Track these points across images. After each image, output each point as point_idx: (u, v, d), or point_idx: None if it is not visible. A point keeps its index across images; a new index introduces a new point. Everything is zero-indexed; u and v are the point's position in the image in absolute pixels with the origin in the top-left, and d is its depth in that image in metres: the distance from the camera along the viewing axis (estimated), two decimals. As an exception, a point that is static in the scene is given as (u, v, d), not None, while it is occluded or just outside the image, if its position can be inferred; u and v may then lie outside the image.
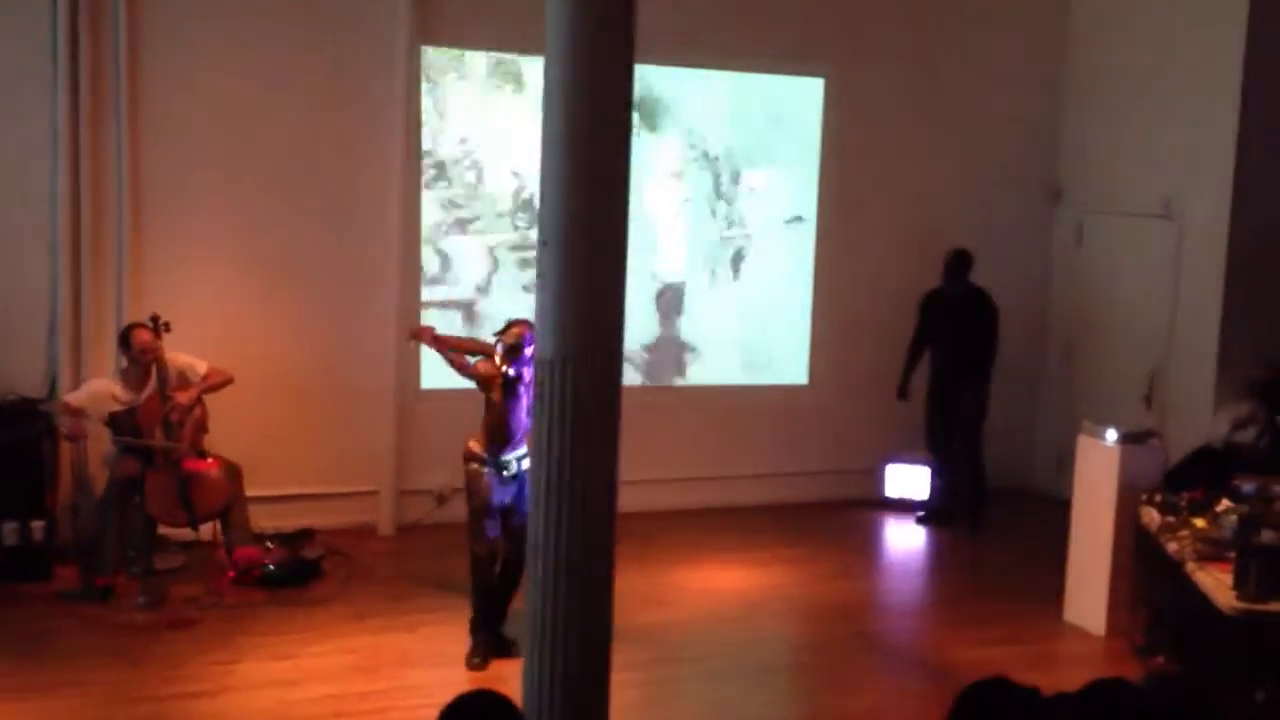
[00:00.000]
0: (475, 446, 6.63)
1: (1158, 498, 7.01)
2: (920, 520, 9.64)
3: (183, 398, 7.55)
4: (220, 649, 6.65)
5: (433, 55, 8.82)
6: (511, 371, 6.47)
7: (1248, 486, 6.76)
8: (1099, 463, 7.40)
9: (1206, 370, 8.97)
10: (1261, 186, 8.84)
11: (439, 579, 7.65)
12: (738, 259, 9.80)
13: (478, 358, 6.69)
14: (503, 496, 6.61)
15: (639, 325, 9.32)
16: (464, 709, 3.19)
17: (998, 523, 9.41)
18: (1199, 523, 6.62)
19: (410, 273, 8.82)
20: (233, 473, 7.71)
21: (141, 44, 8.09)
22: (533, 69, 8.66)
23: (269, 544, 7.90)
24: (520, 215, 9.10)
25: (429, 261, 8.95)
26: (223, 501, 7.64)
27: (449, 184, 8.99)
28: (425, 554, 8.30)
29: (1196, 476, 7.18)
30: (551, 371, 4.49)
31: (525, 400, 6.47)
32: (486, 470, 6.59)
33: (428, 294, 8.96)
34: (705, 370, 9.79)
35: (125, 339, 7.56)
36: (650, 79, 9.20)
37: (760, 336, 9.97)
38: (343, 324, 8.70)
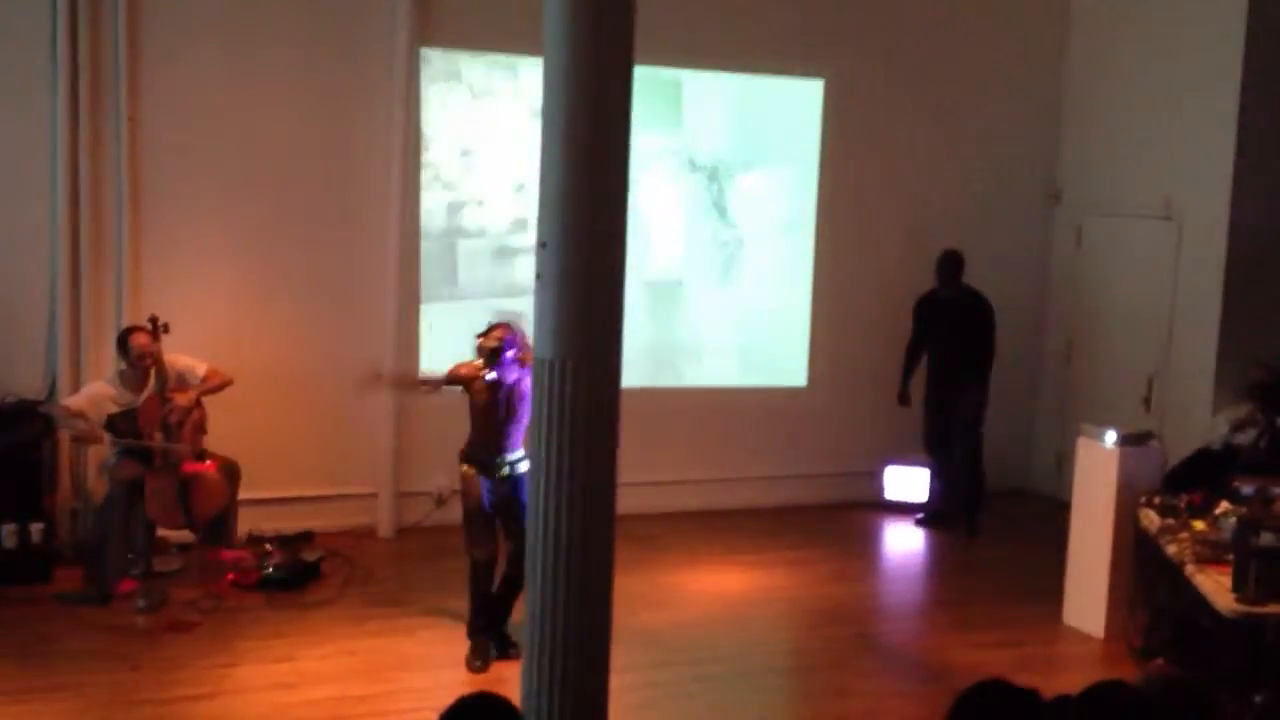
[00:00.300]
0: (466, 449, 6.62)
1: (1157, 500, 7.01)
2: (919, 522, 9.65)
3: (182, 399, 7.55)
4: (219, 651, 6.65)
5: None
6: (492, 375, 6.43)
7: (1247, 488, 6.75)
8: (1098, 465, 7.40)
9: (1205, 372, 8.98)
10: (1260, 188, 8.84)
11: (438, 581, 7.64)
12: (736, 261, 9.80)
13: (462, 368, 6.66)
14: (494, 500, 6.58)
15: (637, 326, 9.31)
16: (464, 711, 3.18)
17: (997, 524, 9.41)
18: (1198, 525, 6.62)
19: (409, 275, 8.82)
20: (230, 473, 7.71)
21: (140, 47, 8.09)
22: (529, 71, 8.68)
23: (268, 546, 7.89)
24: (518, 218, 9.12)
25: (429, 263, 8.96)
26: (222, 504, 7.64)
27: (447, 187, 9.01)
28: (425, 556, 8.30)
29: (1195, 478, 7.18)
30: (550, 372, 4.49)
31: (517, 402, 6.44)
32: (476, 473, 6.58)
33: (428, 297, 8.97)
34: (704, 372, 9.79)
35: (123, 342, 7.56)
36: (649, 79, 9.21)
37: (759, 338, 9.97)
38: (342, 326, 8.70)
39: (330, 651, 6.72)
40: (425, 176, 8.89)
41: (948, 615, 7.89)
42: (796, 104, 9.87)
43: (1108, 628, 7.29)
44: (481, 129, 9.04)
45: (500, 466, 6.52)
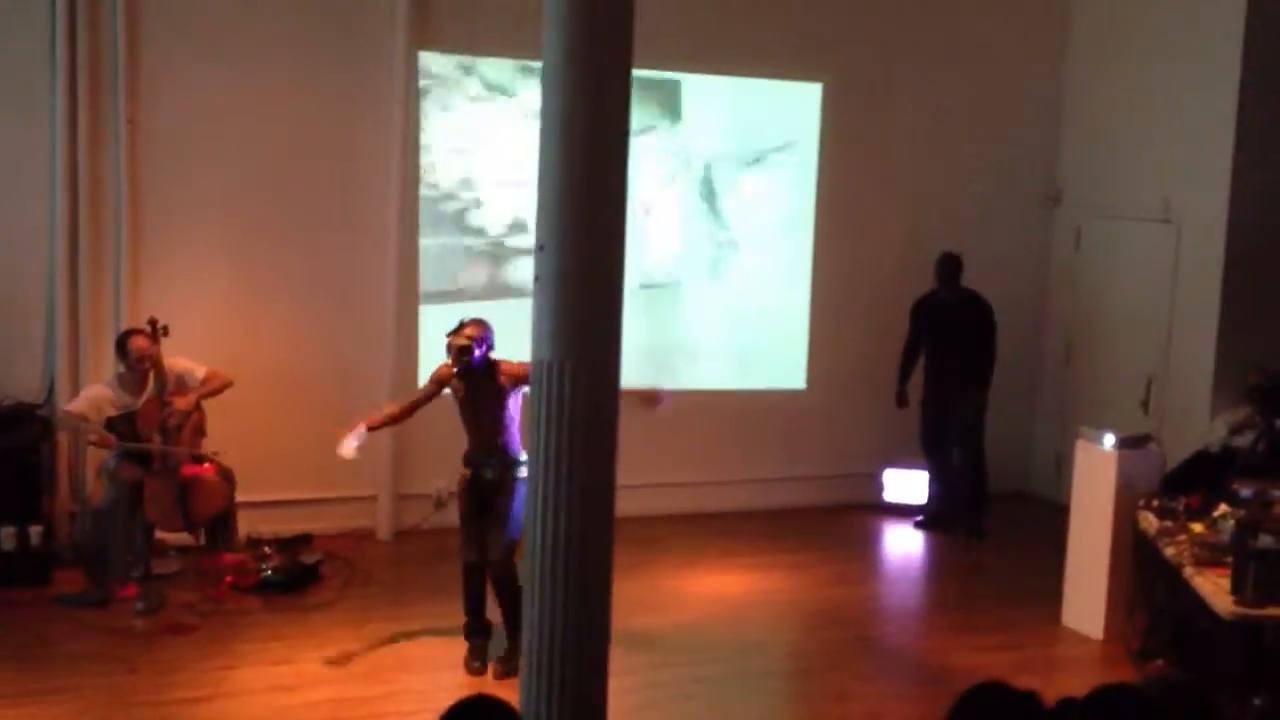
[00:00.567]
0: (466, 451, 6.61)
1: (1155, 502, 7.01)
2: (918, 525, 9.65)
3: (181, 403, 7.55)
4: (218, 654, 6.64)
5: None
6: (457, 370, 6.41)
7: (1245, 491, 6.76)
8: (1097, 467, 7.40)
9: (1204, 374, 8.99)
10: (1259, 190, 8.85)
11: (437, 584, 7.63)
12: (734, 263, 9.80)
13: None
14: (477, 503, 6.56)
15: (635, 329, 9.31)
16: (462, 714, 3.18)
17: (996, 527, 9.41)
18: (1197, 527, 6.62)
19: (409, 277, 8.82)
20: (228, 477, 7.71)
21: (140, 49, 8.09)
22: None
23: (267, 549, 7.89)
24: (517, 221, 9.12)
25: (428, 264, 8.97)
26: (221, 506, 7.64)
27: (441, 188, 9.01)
28: (424, 559, 8.30)
29: (1194, 481, 7.19)
30: (549, 375, 4.48)
31: (494, 403, 6.42)
32: (470, 475, 6.58)
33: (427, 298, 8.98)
34: (702, 374, 9.79)
35: (122, 345, 7.56)
36: (648, 79, 9.22)
37: (758, 340, 9.97)
38: (340, 328, 8.71)
39: (330, 654, 6.71)
40: (423, 176, 8.90)
41: (947, 618, 7.89)
42: (795, 106, 9.88)
43: (1107, 630, 7.30)
44: (481, 130, 9.03)
45: (484, 468, 6.51)
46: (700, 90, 9.62)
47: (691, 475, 9.54)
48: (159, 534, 7.75)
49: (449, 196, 9.02)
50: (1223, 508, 6.67)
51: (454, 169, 9.01)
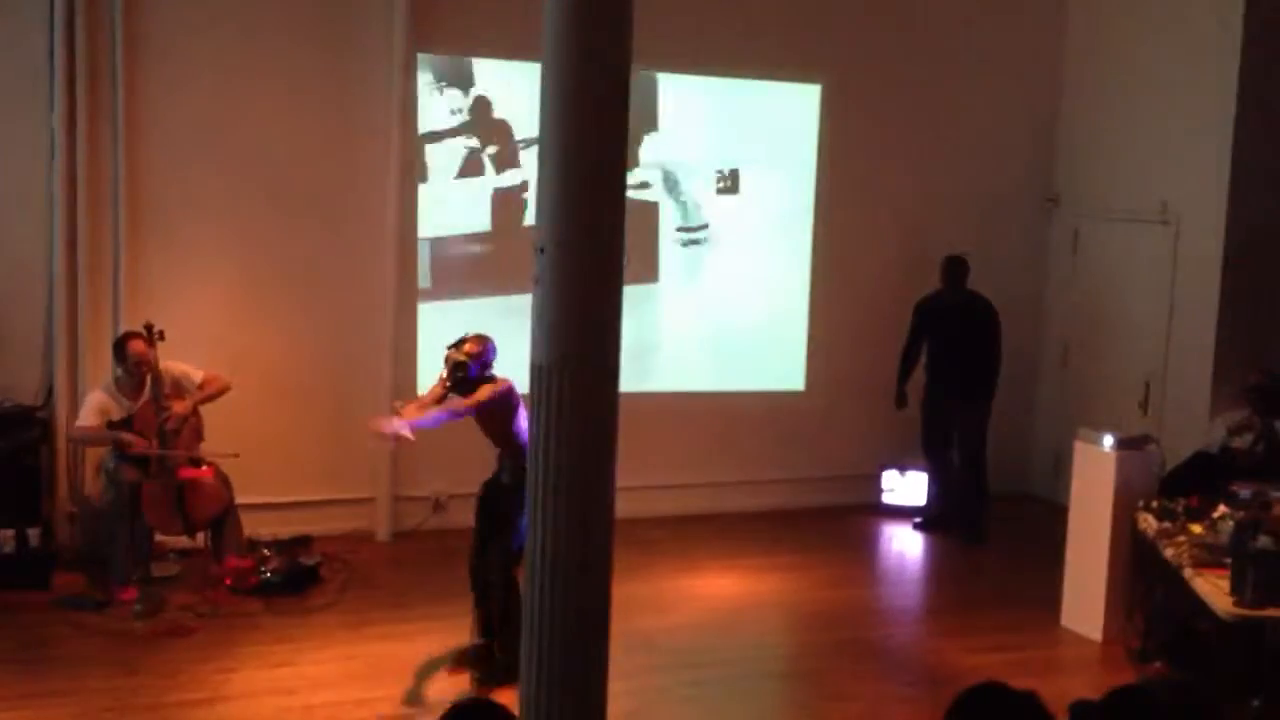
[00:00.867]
0: None
1: (1155, 503, 7.02)
2: (917, 526, 9.65)
3: (179, 406, 7.55)
4: (218, 657, 6.64)
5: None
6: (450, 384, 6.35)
7: (1244, 492, 6.77)
8: (1096, 468, 7.41)
9: (1202, 376, 8.99)
10: (1257, 191, 8.86)
11: (437, 586, 7.64)
12: (732, 265, 9.79)
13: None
14: (483, 508, 6.57)
15: (634, 330, 9.33)
16: (460, 716, 3.18)
17: (995, 528, 9.40)
18: (1196, 528, 6.62)
19: (407, 279, 8.82)
20: (225, 481, 7.71)
21: (138, 52, 8.09)
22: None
23: (265, 551, 7.89)
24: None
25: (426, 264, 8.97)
26: (219, 509, 7.64)
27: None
28: (422, 560, 8.31)
29: (1193, 482, 7.20)
30: (548, 377, 4.49)
31: (492, 416, 6.39)
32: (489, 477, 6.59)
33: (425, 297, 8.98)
34: (701, 376, 9.79)
35: (120, 348, 7.55)
36: (646, 83, 9.24)
37: (757, 342, 9.96)
38: (339, 331, 8.71)
39: (328, 656, 6.72)
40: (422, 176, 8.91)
41: (946, 619, 7.89)
42: (794, 108, 9.88)
43: (1106, 631, 7.30)
44: (480, 132, 9.05)
45: (500, 473, 6.51)
46: (702, 91, 9.62)
47: (690, 477, 9.54)
48: (159, 537, 7.75)
49: (448, 194, 9.03)
50: (1222, 509, 6.68)
51: (454, 168, 9.02)
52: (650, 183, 9.48)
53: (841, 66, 9.84)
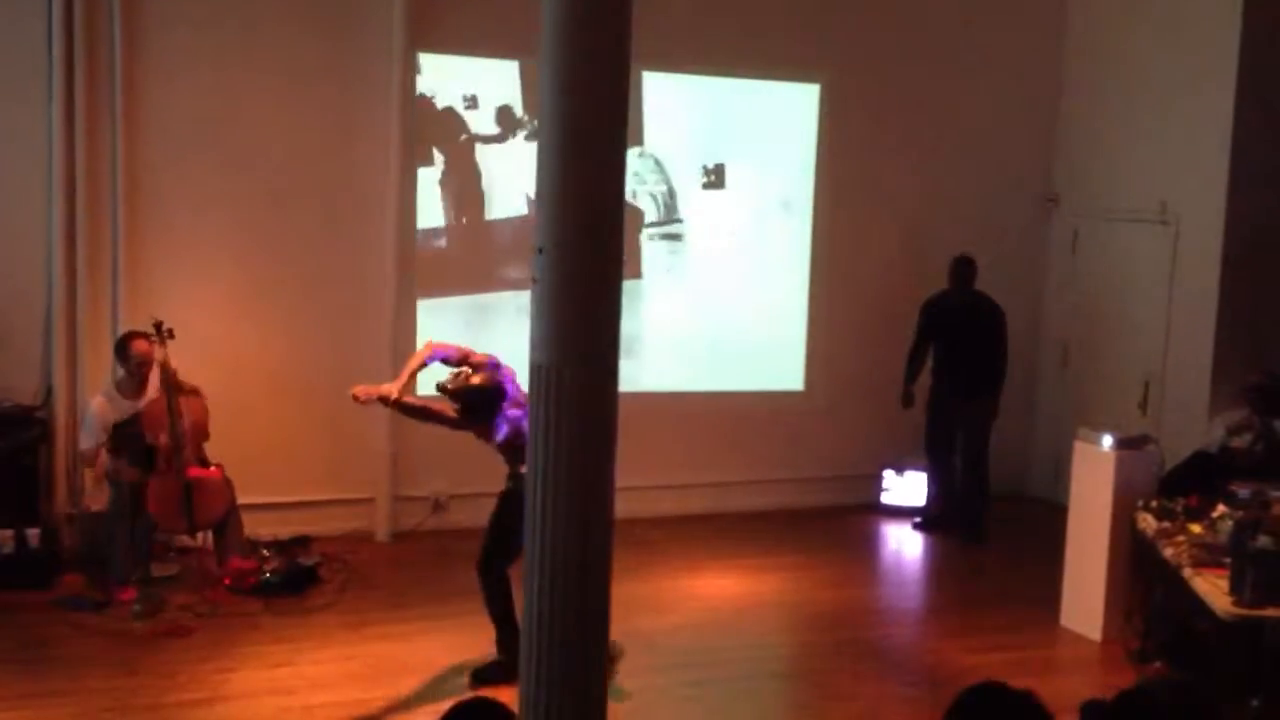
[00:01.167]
0: None
1: (1154, 503, 7.02)
2: (916, 526, 9.65)
3: (196, 404, 7.59)
4: (217, 657, 6.64)
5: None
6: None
7: (1243, 492, 6.78)
8: (1095, 468, 7.41)
9: (1202, 375, 9.00)
10: (1257, 191, 8.87)
11: (436, 586, 7.65)
12: (730, 265, 9.79)
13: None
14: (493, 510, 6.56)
15: (632, 330, 9.34)
16: (461, 717, 3.18)
17: (995, 528, 9.41)
18: (1195, 528, 6.63)
19: (406, 279, 8.82)
20: (228, 482, 7.71)
21: (137, 49, 8.09)
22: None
23: (265, 552, 7.89)
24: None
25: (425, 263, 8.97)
26: (224, 509, 7.65)
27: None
28: (422, 561, 8.31)
29: (1192, 482, 7.20)
30: (547, 378, 4.48)
31: (477, 429, 6.37)
32: None
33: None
34: (699, 376, 9.78)
35: (123, 348, 7.55)
36: (644, 82, 9.25)
37: (756, 342, 9.96)
38: (338, 330, 8.70)
39: (328, 656, 6.72)
40: (422, 177, 8.91)
41: (945, 619, 7.89)
42: (794, 107, 9.88)
43: (1105, 631, 7.30)
44: (479, 132, 9.05)
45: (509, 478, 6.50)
46: (701, 90, 9.61)
47: (689, 477, 9.54)
48: (160, 535, 7.75)
49: (447, 193, 9.04)
50: (1221, 508, 6.69)
51: (453, 167, 9.02)
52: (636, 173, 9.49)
53: (840, 66, 9.84)
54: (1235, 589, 5.85)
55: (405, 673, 6.55)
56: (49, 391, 8.03)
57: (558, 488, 4.49)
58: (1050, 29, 10.45)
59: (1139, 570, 7.05)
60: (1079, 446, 7.58)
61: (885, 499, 9.97)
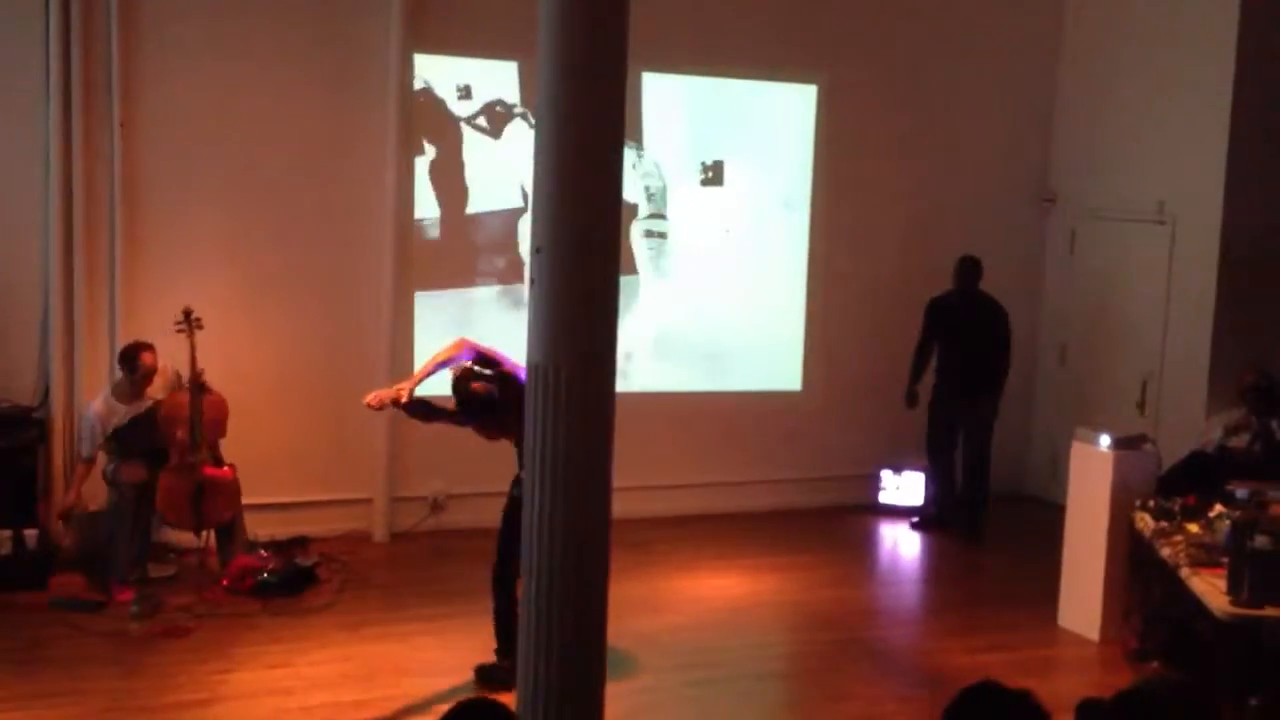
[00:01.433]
0: None
1: (1151, 503, 7.02)
2: (914, 526, 9.65)
3: (217, 398, 7.60)
4: (215, 658, 6.64)
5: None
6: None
7: (1241, 491, 6.77)
8: (1093, 468, 7.41)
9: (1199, 375, 9.00)
10: (1254, 191, 8.87)
11: (435, 586, 7.65)
12: (728, 265, 9.79)
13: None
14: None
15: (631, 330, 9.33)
16: (461, 717, 3.19)
17: (992, 528, 9.41)
18: (1192, 528, 6.63)
19: (404, 280, 8.81)
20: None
21: (133, 52, 8.08)
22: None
23: (263, 552, 7.89)
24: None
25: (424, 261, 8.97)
26: (232, 510, 7.67)
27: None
28: (420, 561, 8.31)
29: (1190, 482, 7.20)
30: (545, 378, 4.49)
31: (481, 433, 6.37)
32: None
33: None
34: (698, 376, 9.78)
35: (131, 359, 7.47)
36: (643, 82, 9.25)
37: (754, 342, 9.95)
38: (336, 331, 8.70)
39: (326, 657, 6.72)
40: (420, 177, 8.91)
41: (943, 619, 7.89)
42: (792, 107, 9.88)
43: (1103, 631, 7.30)
44: (479, 131, 9.05)
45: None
46: (699, 89, 9.62)
47: (687, 478, 9.54)
48: (159, 534, 7.75)
49: (447, 193, 9.03)
50: (1218, 508, 6.69)
51: (452, 168, 9.02)
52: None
53: (838, 67, 9.84)
54: (1233, 589, 5.85)
55: (403, 673, 6.56)
56: (46, 392, 8.03)
57: (556, 487, 4.50)
58: (1048, 29, 10.44)
59: (1137, 570, 7.05)
60: (1077, 446, 7.58)
61: (883, 499, 9.97)
